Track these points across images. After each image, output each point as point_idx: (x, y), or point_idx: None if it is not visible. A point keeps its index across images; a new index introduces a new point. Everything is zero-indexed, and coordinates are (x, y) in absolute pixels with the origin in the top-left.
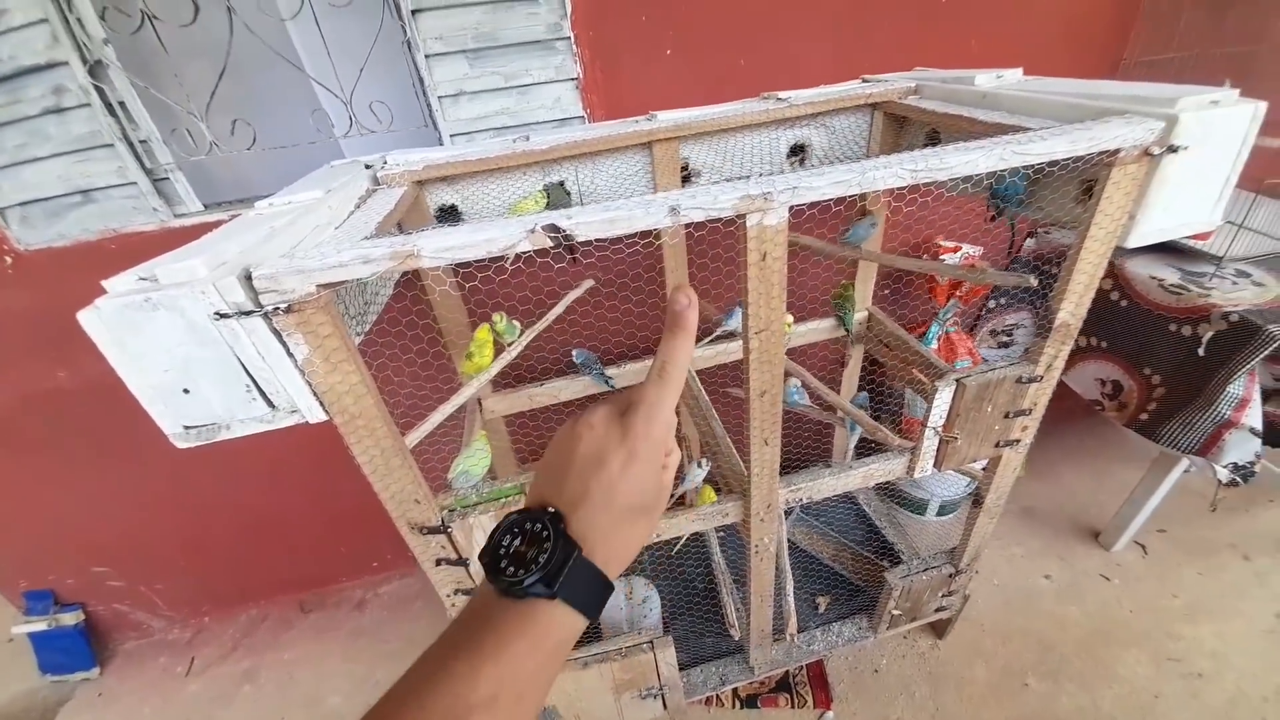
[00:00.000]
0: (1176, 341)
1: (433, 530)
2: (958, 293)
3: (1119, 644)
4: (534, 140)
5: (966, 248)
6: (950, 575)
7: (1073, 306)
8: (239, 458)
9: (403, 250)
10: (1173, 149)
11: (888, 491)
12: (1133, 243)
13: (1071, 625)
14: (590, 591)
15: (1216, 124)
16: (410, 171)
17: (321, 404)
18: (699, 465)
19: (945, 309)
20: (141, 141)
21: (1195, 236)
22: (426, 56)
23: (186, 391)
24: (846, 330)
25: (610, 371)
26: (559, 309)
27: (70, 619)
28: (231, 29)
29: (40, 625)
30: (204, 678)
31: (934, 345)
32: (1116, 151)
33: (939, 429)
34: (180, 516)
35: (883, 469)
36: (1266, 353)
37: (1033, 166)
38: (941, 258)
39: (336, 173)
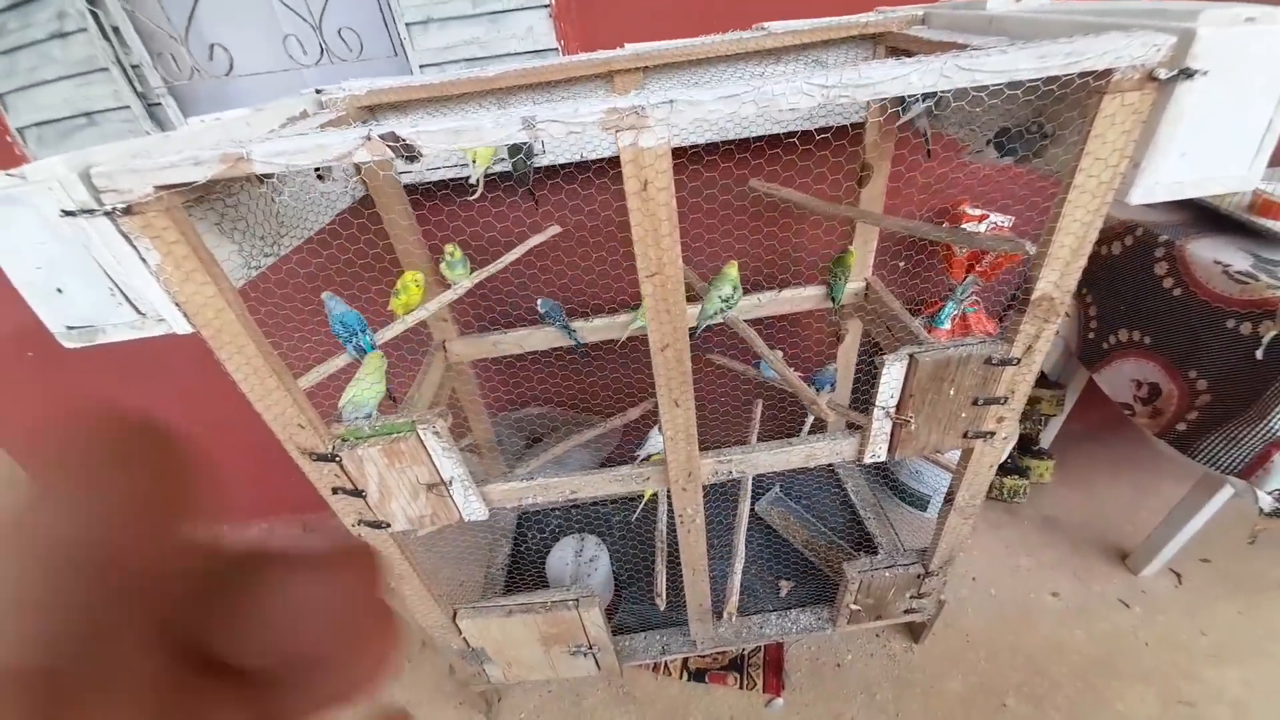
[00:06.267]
0: (1232, 340)
1: (321, 457)
2: (979, 266)
3: (1124, 678)
4: (487, 68)
5: (995, 216)
6: (919, 576)
7: (1056, 276)
8: None
9: (232, 153)
10: (1187, 73)
11: (888, 483)
12: (1138, 198)
13: (1072, 650)
14: None
15: (1251, 47)
16: (354, 96)
17: (185, 315)
18: (659, 431)
19: (963, 285)
20: (134, 66)
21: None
22: None
23: (60, 291)
24: (834, 300)
25: (575, 324)
26: (515, 253)
27: None
28: None
29: None
30: None
31: (946, 326)
32: (1108, 74)
33: (889, 410)
34: None
35: (829, 449)
36: None
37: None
38: (964, 227)
39: (292, 99)
